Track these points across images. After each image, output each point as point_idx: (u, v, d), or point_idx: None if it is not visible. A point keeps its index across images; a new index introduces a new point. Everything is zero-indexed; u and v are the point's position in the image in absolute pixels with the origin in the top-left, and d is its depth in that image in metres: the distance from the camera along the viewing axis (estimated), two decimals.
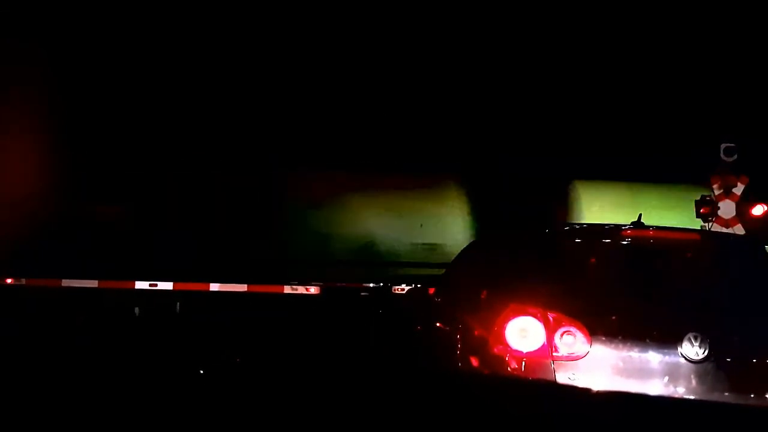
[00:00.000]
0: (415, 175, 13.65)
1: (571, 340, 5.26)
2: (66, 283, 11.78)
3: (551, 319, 5.29)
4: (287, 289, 11.87)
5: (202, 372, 8.17)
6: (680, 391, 5.20)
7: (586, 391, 5.15)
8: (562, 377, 5.21)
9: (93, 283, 11.88)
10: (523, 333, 5.33)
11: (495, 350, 5.40)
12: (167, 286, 11.92)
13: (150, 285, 11.88)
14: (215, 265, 12.36)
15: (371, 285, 11.95)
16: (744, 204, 12.51)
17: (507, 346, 5.35)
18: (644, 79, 14.28)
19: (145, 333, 11.42)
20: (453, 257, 7.41)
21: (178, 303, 12.10)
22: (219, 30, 13.70)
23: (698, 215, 12.50)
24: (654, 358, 5.26)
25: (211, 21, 13.72)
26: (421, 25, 14.14)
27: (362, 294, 11.94)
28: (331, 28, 14.01)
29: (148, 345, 10.29)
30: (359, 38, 13.98)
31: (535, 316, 5.32)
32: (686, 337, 5.22)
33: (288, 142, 13.26)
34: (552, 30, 14.32)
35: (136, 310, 12.14)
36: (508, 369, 5.31)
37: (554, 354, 5.25)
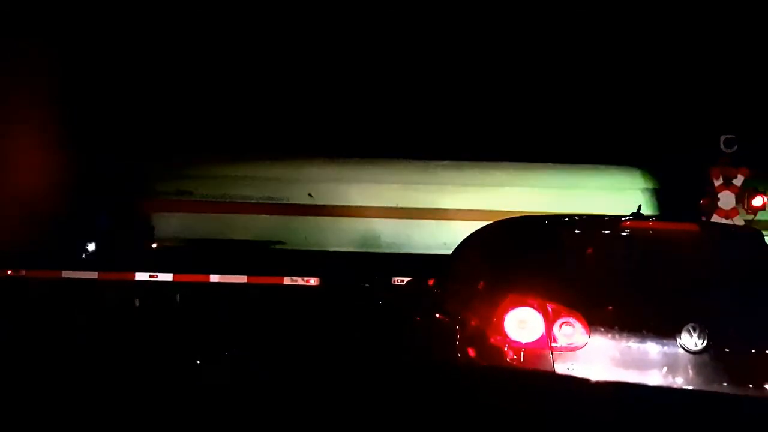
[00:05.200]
0: None
1: (570, 331, 5.26)
2: (66, 274, 11.80)
3: (550, 309, 5.29)
4: (287, 281, 11.88)
5: (198, 362, 8.17)
6: (679, 381, 5.20)
7: (584, 382, 5.15)
8: (561, 368, 5.21)
9: (93, 275, 11.90)
10: (522, 324, 5.32)
11: (494, 341, 5.40)
12: (167, 277, 11.93)
13: (150, 276, 11.89)
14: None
15: (372, 276, 11.96)
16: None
17: (506, 336, 5.34)
18: None
19: (145, 324, 11.43)
20: None
21: (177, 295, 12.11)
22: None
23: (700, 207, 12.52)
24: (653, 348, 5.26)
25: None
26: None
27: (361, 286, 11.95)
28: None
29: (146, 336, 10.30)
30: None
31: (533, 307, 5.32)
32: (685, 328, 5.22)
33: None
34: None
35: (136, 301, 12.15)
36: (507, 360, 5.31)
37: (553, 345, 5.25)
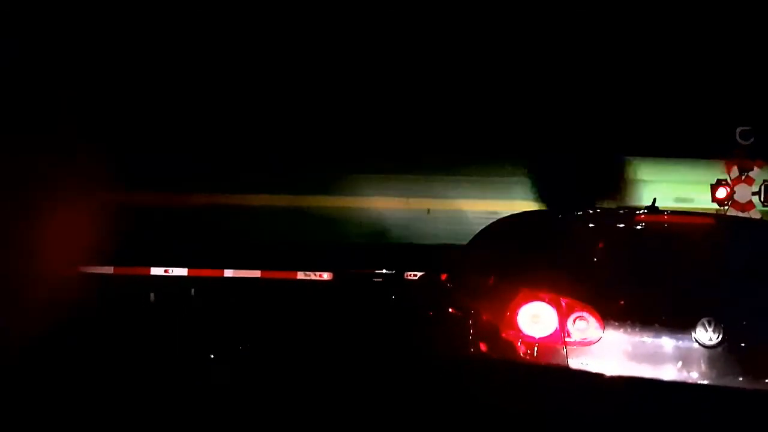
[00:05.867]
0: None
1: (584, 326, 5.23)
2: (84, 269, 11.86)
3: (564, 304, 5.26)
4: (300, 275, 11.90)
5: (212, 356, 8.18)
6: (693, 376, 5.17)
7: (598, 377, 5.12)
8: (575, 363, 5.18)
9: (108, 270, 11.96)
10: (536, 318, 5.30)
11: (507, 336, 5.38)
12: (182, 272, 11.97)
13: (164, 271, 11.94)
14: None
15: (384, 271, 11.95)
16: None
17: (519, 331, 5.32)
18: None
19: (160, 318, 11.47)
20: None
21: (192, 289, 12.16)
22: None
23: (713, 200, 12.44)
24: (667, 343, 5.22)
25: None
26: None
27: (375, 280, 11.95)
28: None
29: (161, 330, 10.34)
30: None
31: (547, 301, 5.29)
32: (700, 322, 5.18)
33: None
34: None
35: (152, 295, 12.21)
36: (520, 355, 5.29)
37: (567, 339, 5.22)
